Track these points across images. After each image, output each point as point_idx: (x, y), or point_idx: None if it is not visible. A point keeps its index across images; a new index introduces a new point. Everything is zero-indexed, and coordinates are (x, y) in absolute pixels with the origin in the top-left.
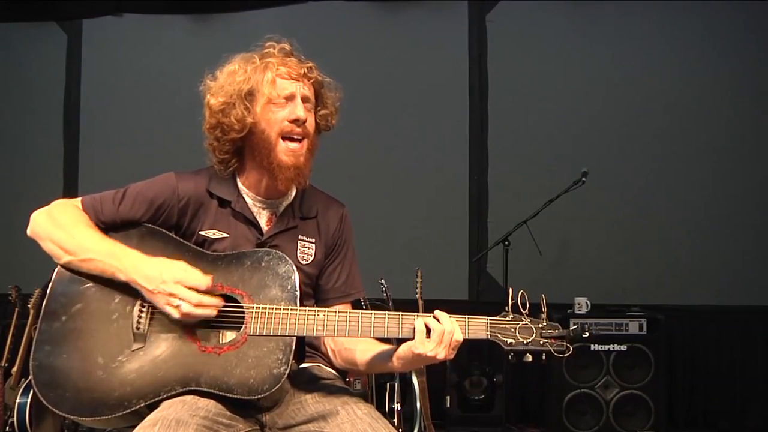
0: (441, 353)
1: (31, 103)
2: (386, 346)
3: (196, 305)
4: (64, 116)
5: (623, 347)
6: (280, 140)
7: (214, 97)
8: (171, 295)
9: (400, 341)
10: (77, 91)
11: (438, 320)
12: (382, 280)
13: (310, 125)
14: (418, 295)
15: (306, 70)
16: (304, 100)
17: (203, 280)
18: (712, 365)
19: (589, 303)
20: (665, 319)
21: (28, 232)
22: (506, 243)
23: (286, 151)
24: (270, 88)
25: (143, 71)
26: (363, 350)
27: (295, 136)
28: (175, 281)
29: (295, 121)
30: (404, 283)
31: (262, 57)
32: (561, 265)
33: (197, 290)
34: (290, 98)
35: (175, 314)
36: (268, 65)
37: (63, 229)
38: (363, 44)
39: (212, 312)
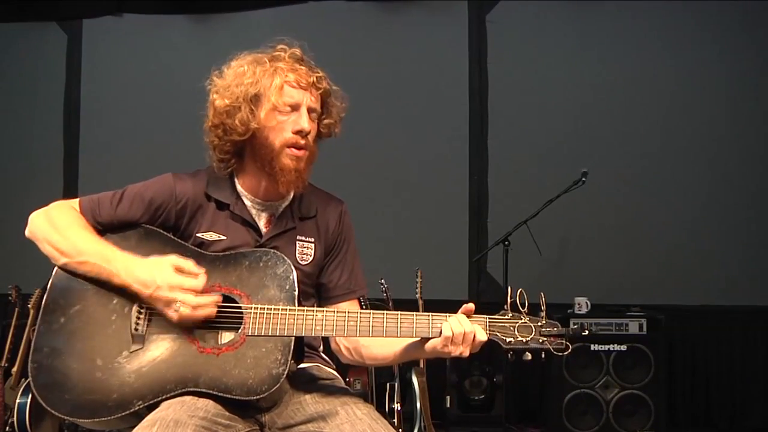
0: (465, 352)
1: (31, 103)
2: (406, 340)
3: (195, 307)
4: (64, 116)
5: (623, 347)
6: (285, 148)
7: (220, 97)
8: (168, 299)
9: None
10: (77, 91)
11: (460, 323)
12: (382, 280)
13: (312, 136)
14: (418, 295)
15: (315, 80)
16: (310, 110)
17: (197, 282)
18: (712, 365)
19: (589, 303)
20: (665, 319)
21: (27, 233)
22: (506, 243)
23: (290, 155)
24: (277, 95)
25: (143, 71)
26: (382, 344)
27: (299, 147)
28: (170, 286)
29: (299, 133)
30: (404, 283)
31: (272, 60)
32: (561, 265)
33: (194, 291)
34: (296, 107)
35: (174, 317)
36: (277, 70)
37: (59, 231)
38: (363, 44)
39: (212, 311)
